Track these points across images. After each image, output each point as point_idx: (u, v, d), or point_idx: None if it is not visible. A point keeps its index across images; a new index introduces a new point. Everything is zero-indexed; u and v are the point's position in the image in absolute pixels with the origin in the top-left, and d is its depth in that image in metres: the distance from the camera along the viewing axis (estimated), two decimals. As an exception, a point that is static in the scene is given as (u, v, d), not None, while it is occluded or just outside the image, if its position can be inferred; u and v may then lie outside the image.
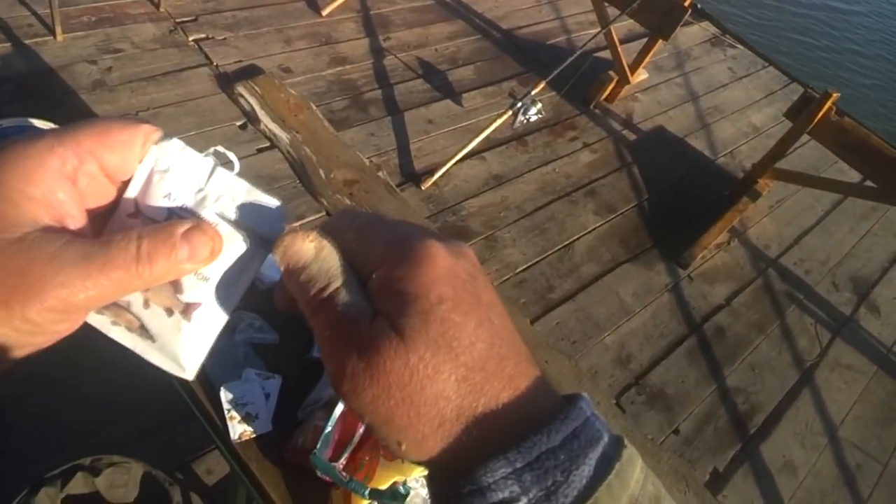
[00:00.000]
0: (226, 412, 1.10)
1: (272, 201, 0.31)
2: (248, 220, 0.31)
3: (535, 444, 0.24)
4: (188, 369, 0.32)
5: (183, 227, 0.28)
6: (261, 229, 0.31)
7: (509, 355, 0.26)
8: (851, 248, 3.20)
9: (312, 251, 0.28)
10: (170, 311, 0.31)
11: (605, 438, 0.25)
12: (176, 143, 0.30)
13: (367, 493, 0.93)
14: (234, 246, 0.30)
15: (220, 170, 0.30)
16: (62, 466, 1.21)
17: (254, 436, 1.09)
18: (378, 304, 0.27)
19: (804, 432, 2.30)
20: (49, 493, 1.16)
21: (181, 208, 0.30)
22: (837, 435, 2.34)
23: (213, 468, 1.56)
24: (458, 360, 0.25)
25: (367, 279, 0.28)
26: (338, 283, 0.28)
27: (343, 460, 0.97)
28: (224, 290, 0.31)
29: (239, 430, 1.09)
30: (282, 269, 0.28)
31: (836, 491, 2.17)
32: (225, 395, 1.11)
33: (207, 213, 0.30)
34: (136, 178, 0.30)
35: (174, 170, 0.30)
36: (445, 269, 0.27)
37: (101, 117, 0.29)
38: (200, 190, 0.30)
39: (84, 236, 0.28)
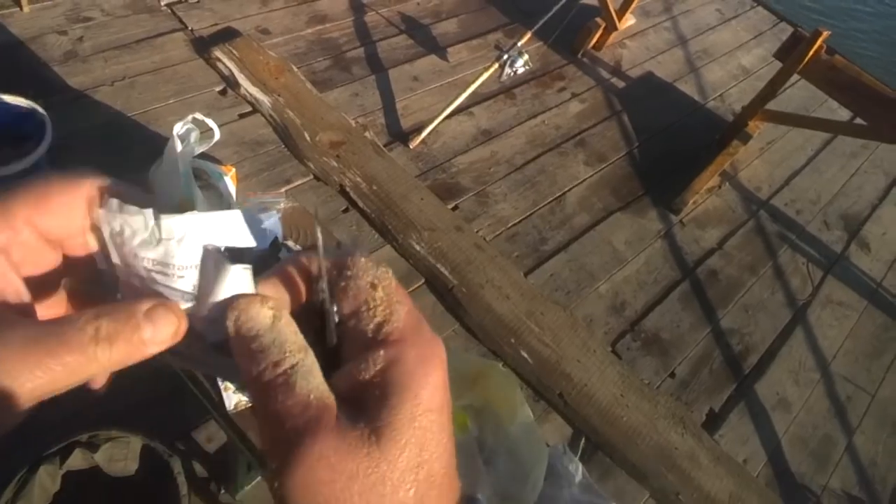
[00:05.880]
0: (220, 383, 1.10)
1: (230, 213, 0.29)
2: (222, 241, 0.29)
3: None
4: None
5: (145, 306, 0.26)
6: (237, 242, 0.29)
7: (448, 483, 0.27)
8: (842, 186, 3.20)
9: (269, 319, 0.26)
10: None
11: None
12: (113, 204, 0.28)
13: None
14: (233, 277, 0.28)
15: (164, 217, 0.28)
16: (59, 444, 1.20)
17: (250, 405, 1.10)
18: (366, 384, 0.26)
19: (797, 369, 2.34)
20: (49, 469, 1.16)
21: (155, 263, 0.28)
22: (829, 370, 2.38)
23: (213, 436, 1.57)
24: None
25: (360, 336, 0.26)
26: (293, 360, 0.25)
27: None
28: None
29: (234, 399, 1.09)
30: (230, 333, 0.26)
31: (827, 423, 2.23)
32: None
33: (181, 260, 0.28)
34: (107, 246, 0.28)
35: (127, 229, 0.28)
36: (443, 377, 0.27)
37: (40, 180, 0.27)
38: (160, 240, 0.28)
39: (26, 310, 0.26)
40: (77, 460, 1.20)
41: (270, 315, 0.26)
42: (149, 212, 0.27)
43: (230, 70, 2.45)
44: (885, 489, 2.12)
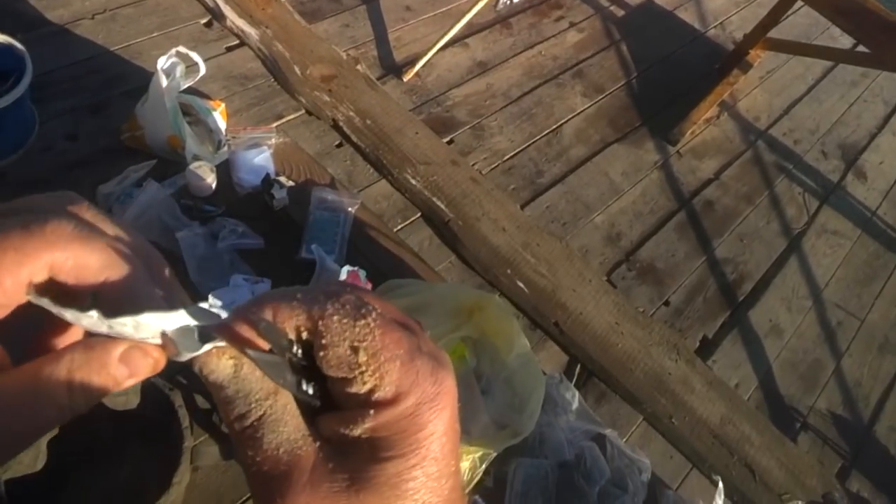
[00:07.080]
0: None
1: (191, 307, 0.27)
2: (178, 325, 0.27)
3: None
4: None
5: (118, 350, 0.25)
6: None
7: None
8: (841, 115, 3.16)
9: (231, 369, 0.25)
10: None
11: None
12: (44, 301, 0.25)
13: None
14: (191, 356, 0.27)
15: (112, 319, 0.25)
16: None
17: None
18: (374, 433, 0.24)
19: (791, 297, 2.38)
20: None
21: (111, 333, 0.26)
22: (822, 297, 2.42)
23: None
24: None
25: (354, 382, 0.24)
26: (259, 411, 0.25)
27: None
28: None
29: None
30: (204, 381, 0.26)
31: (817, 348, 2.28)
32: (214, 303, 1.11)
33: (141, 335, 0.26)
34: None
35: (69, 314, 0.25)
36: (448, 419, 0.25)
37: None
38: (111, 327, 0.25)
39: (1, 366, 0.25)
40: (80, 397, 1.22)
41: (231, 365, 0.25)
42: (93, 314, 0.25)
43: (215, 1, 2.36)
44: (867, 407, 2.20)
